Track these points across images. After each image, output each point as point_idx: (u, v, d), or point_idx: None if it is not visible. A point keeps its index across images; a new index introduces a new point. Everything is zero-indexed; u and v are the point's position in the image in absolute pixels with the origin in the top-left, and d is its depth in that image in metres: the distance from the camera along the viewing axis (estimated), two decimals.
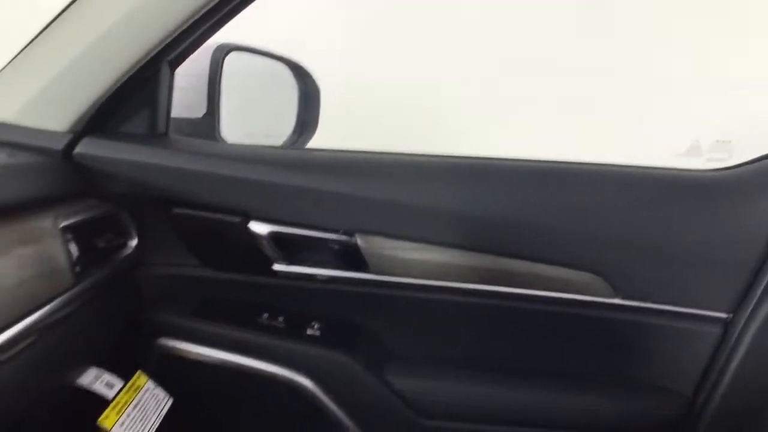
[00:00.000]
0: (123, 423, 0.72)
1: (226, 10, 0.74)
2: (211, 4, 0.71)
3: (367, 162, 0.83)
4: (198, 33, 0.75)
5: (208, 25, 0.75)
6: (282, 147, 1.07)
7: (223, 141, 0.93)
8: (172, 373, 0.86)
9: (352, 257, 0.82)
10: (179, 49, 0.77)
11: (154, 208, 0.82)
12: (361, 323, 0.89)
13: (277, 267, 0.85)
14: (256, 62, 1.05)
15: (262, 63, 1.07)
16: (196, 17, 0.72)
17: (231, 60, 0.95)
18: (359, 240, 0.81)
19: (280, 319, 0.88)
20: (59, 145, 0.75)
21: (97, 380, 0.74)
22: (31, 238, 0.64)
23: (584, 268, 0.80)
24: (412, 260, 0.82)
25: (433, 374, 0.86)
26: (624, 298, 0.81)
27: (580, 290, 0.81)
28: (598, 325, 0.83)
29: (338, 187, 0.79)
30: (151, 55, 0.73)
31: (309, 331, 0.87)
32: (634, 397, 0.85)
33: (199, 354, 0.86)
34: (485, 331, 0.87)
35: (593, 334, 0.84)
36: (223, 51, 0.94)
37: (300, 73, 1.13)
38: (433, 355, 0.88)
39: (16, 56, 0.76)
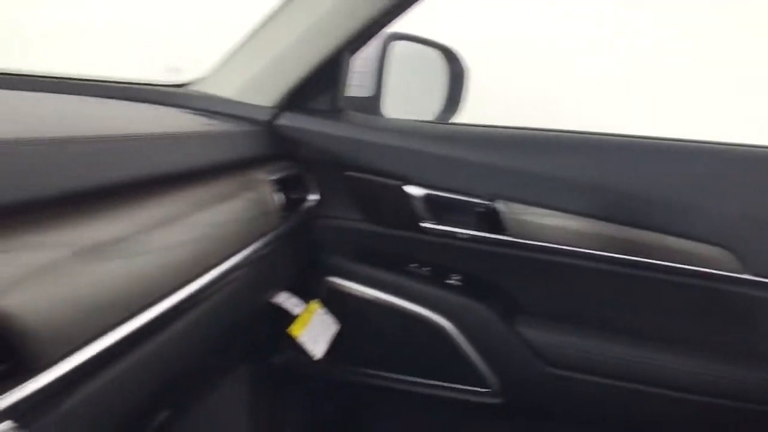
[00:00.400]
0: (305, 334, 0.93)
1: (400, 9, 0.89)
2: (389, 7, 0.86)
3: (509, 136, 0.95)
4: (375, 28, 0.92)
5: (383, 21, 0.91)
6: (433, 122, 1.22)
7: (385, 116, 1.10)
8: (336, 306, 1.06)
9: (491, 220, 0.95)
10: (358, 41, 0.94)
11: (332, 171, 1.01)
12: (496, 279, 1.01)
13: (426, 225, 1.00)
14: (414, 48, 1.19)
15: (419, 48, 1.21)
16: (377, 17, 0.88)
17: (394, 46, 1.11)
18: (499, 205, 0.93)
19: (426, 269, 1.03)
20: (266, 116, 0.96)
21: (286, 300, 0.95)
22: (252, 186, 0.85)
23: (713, 243, 0.85)
24: (547, 226, 0.93)
25: (561, 329, 0.97)
26: (753, 273, 0.84)
27: (708, 264, 0.86)
28: (723, 297, 0.88)
29: (483, 157, 0.92)
30: (339, 47, 0.91)
31: (450, 281, 1.01)
32: (758, 371, 0.89)
33: (358, 291, 1.05)
34: (613, 296, 0.95)
35: (718, 306, 0.89)
36: (389, 39, 1.09)
37: (450, 57, 1.26)
38: (561, 313, 0.98)
39: (237, 49, 0.98)
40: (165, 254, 0.61)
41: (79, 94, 0.90)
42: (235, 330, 0.89)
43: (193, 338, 0.71)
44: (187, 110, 0.95)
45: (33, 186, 0.48)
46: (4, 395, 0.41)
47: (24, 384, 0.42)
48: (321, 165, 1.01)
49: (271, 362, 1.15)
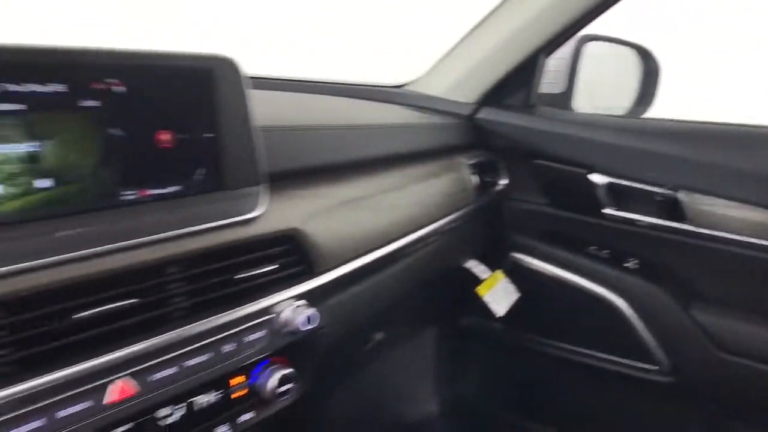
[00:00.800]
0: (490, 295, 1.10)
1: (594, 14, 1.00)
2: (584, 13, 0.98)
3: (696, 130, 0.99)
4: (570, 32, 1.04)
5: (578, 25, 1.02)
6: (620, 116, 1.28)
7: (576, 111, 1.20)
8: (518, 278, 1.20)
9: (673, 209, 1.00)
10: (554, 44, 1.07)
11: (522, 159, 1.16)
12: (673, 264, 1.06)
13: (607, 211, 1.08)
14: (607, 47, 1.27)
15: (613, 47, 1.28)
16: (572, 22, 1.00)
17: (587, 46, 1.21)
18: (681, 195, 0.99)
19: (605, 251, 1.12)
20: (467, 111, 1.14)
21: (475, 266, 1.13)
22: (454, 168, 1.04)
23: None
24: (728, 217, 0.96)
25: (736, 316, 0.99)
26: None
27: None
28: None
29: (668, 149, 0.98)
30: (536, 50, 1.05)
31: (628, 264, 1.09)
32: None
33: (540, 267, 1.18)
34: None
35: None
36: (583, 40, 1.19)
37: (644, 55, 1.31)
38: (737, 301, 1.00)
39: (445, 54, 1.18)
40: (392, 211, 0.83)
41: (329, 94, 1.18)
42: (433, 283, 1.09)
43: (404, 280, 0.93)
44: (405, 106, 1.18)
45: (316, 156, 0.73)
46: (300, 285, 0.66)
47: (312, 280, 0.67)
48: (512, 153, 1.16)
49: (458, 324, 1.34)
